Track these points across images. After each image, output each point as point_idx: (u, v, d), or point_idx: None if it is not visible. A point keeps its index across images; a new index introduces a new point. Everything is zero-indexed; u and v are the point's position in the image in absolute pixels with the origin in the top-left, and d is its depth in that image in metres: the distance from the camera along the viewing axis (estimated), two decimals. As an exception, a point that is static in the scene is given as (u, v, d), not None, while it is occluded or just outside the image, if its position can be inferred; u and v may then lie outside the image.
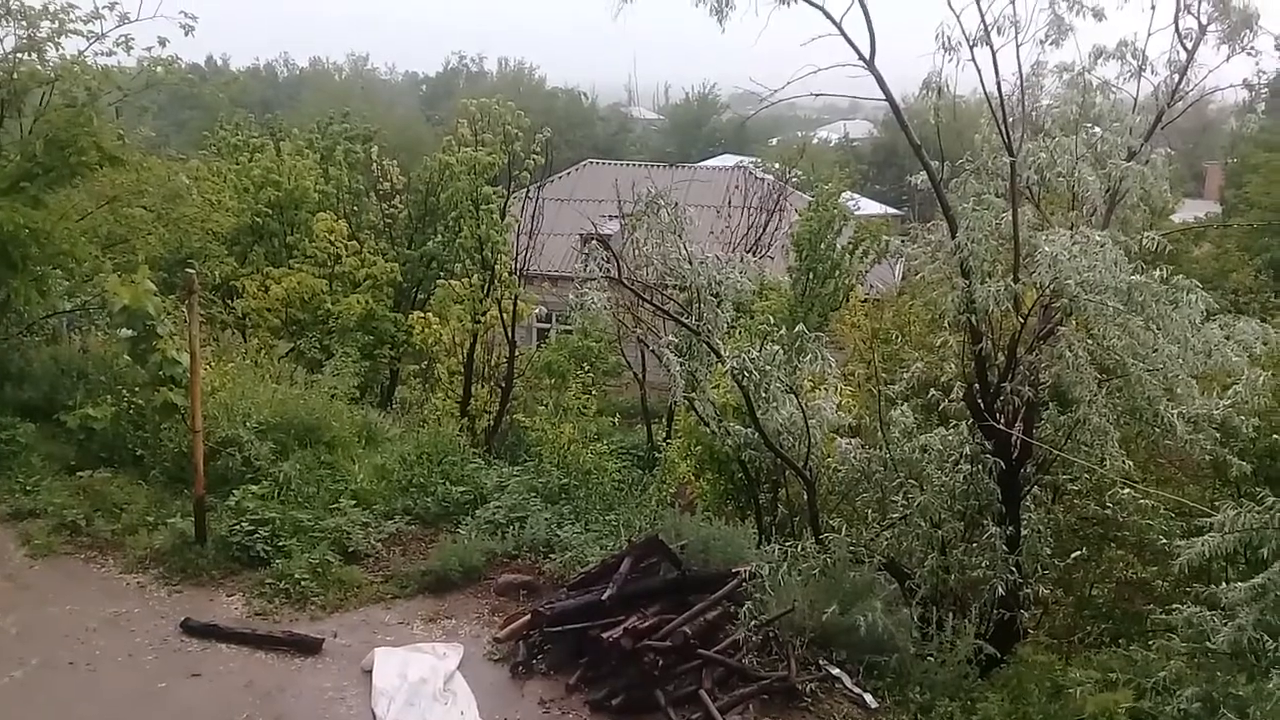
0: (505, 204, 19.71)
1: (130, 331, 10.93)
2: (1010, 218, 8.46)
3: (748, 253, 21.10)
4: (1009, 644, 8.73)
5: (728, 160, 47.28)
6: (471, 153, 19.50)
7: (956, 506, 8.92)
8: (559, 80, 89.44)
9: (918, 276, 9.71)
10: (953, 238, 8.50)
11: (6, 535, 9.98)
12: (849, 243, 25.24)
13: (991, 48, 8.34)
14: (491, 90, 41.53)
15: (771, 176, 28.91)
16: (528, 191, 21.03)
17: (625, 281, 9.62)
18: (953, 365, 9.15)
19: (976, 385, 8.75)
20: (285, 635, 8.48)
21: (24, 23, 12.28)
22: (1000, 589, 8.56)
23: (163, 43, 13.09)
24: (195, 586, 9.27)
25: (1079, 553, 9.76)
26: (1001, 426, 8.52)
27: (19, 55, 12.29)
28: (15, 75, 12.20)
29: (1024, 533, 8.91)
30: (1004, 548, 8.60)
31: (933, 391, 9.38)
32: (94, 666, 8.02)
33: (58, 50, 12.51)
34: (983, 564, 8.63)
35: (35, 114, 12.50)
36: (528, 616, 8.48)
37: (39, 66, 12.35)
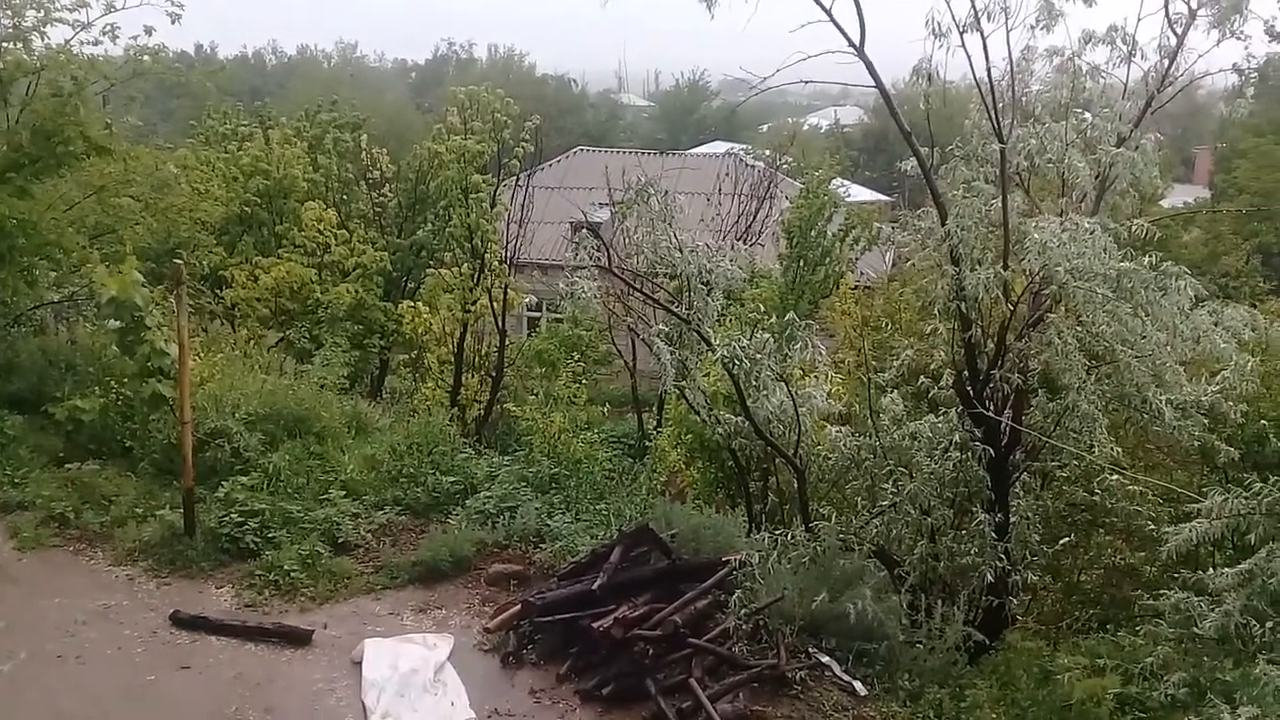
0: (495, 192, 19.66)
1: (118, 322, 10.85)
2: (1000, 204, 8.45)
3: (738, 240, 21.12)
4: (998, 630, 8.75)
5: (718, 147, 47.27)
6: (461, 141, 19.43)
7: (946, 494, 8.93)
8: (549, 67, 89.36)
9: (908, 264, 9.71)
10: (943, 225, 8.49)
11: (-6, 528, 9.95)
12: (839, 230, 25.23)
13: (982, 33, 8.32)
14: (481, 77, 41.43)
15: (762, 163, 28.90)
16: (517, 179, 20.97)
17: (615, 270, 9.60)
18: (942, 352, 9.15)
19: (966, 372, 8.75)
20: (275, 627, 8.46)
21: (8, 12, 12.21)
22: (989, 576, 8.58)
23: (149, 31, 13.05)
24: (184, 578, 9.24)
25: (1067, 539, 9.77)
26: (991, 414, 8.53)
27: (4, 45, 12.22)
28: (0, 65, 12.10)
29: (1013, 519, 8.93)
30: (993, 535, 8.61)
31: (922, 379, 9.37)
32: (83, 659, 7.99)
33: (43, 40, 12.47)
34: (972, 551, 8.65)
35: (21, 104, 12.44)
36: (518, 606, 8.47)
37: (24, 56, 12.28)
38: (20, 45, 12.30)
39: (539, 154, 22.22)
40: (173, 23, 12.93)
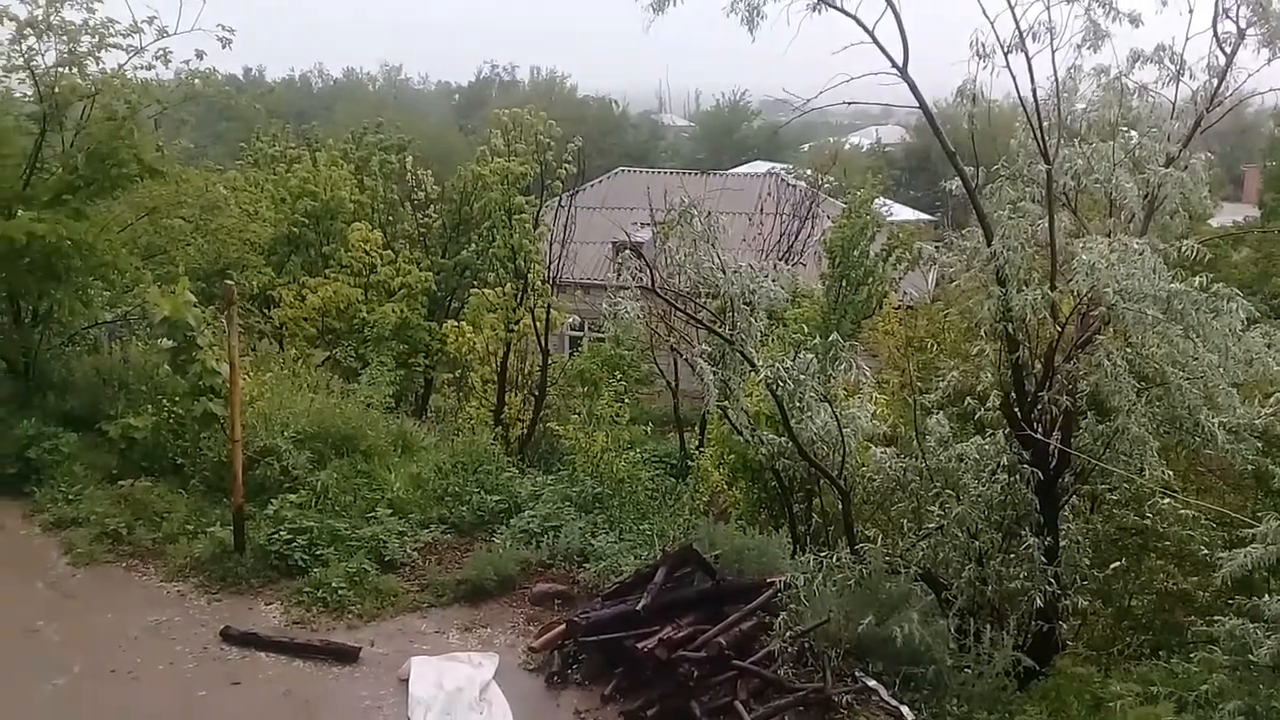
0: (538, 213, 19.81)
1: (170, 342, 11.10)
2: (1046, 224, 8.39)
3: (780, 260, 21.08)
4: (1047, 656, 8.63)
5: (760, 167, 47.25)
6: (504, 163, 19.63)
7: (994, 516, 8.83)
8: (590, 88, 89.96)
9: (952, 284, 9.65)
10: (988, 245, 8.45)
11: (49, 544, 10.12)
12: (882, 249, 25.15)
13: (1026, 54, 8.30)
14: (523, 99, 41.72)
15: (804, 183, 28.90)
16: (560, 200, 21.11)
17: (658, 290, 9.63)
18: (989, 374, 9.08)
19: (1013, 394, 8.68)
20: (323, 644, 8.54)
21: (65, 38, 12.46)
22: (1038, 600, 8.47)
23: (200, 55, 13.24)
24: (234, 595, 9.35)
25: (1118, 563, 9.64)
26: (1039, 436, 8.44)
27: (60, 70, 12.48)
28: (56, 89, 12.37)
29: (1062, 543, 8.82)
30: (1042, 558, 8.50)
31: (969, 400, 9.29)
32: (135, 674, 8.10)
33: (98, 64, 12.69)
34: (1020, 575, 8.55)
35: (76, 127, 12.68)
36: (563, 626, 8.49)
37: (79, 81, 12.52)
38: (76, 70, 12.56)
39: (581, 175, 22.38)
40: (224, 47, 13.14)
